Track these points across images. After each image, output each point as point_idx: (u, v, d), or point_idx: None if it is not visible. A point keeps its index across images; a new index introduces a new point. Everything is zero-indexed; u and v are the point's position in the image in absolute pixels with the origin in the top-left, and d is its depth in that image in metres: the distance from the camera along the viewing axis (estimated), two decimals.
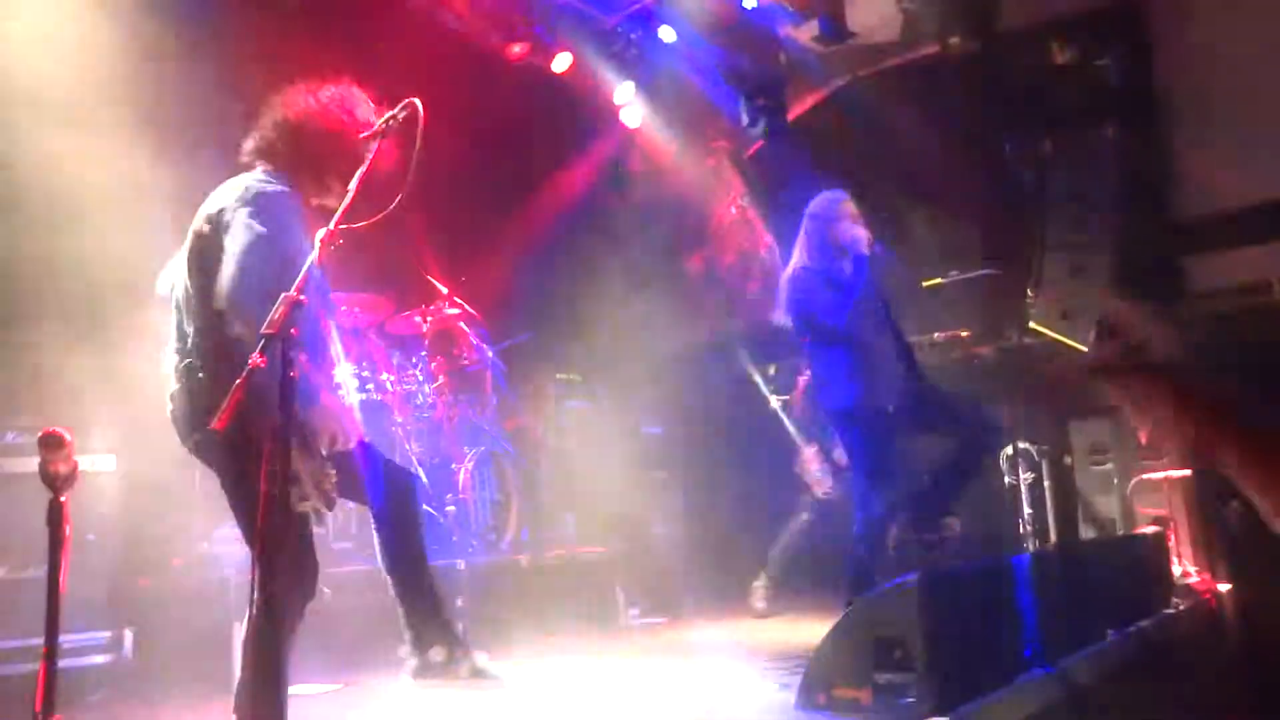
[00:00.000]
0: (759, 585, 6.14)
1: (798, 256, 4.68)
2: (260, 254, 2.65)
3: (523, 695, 4.08)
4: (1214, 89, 6.48)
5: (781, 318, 4.72)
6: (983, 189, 7.23)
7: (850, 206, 4.63)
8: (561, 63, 7.62)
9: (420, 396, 6.11)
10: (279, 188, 2.87)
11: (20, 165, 4.50)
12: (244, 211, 2.73)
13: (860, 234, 4.47)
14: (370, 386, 5.84)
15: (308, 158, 2.95)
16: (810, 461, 6.18)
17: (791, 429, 6.33)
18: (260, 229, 2.69)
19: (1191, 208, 6.60)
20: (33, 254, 4.52)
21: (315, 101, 2.99)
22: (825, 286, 4.47)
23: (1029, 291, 6.43)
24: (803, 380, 6.45)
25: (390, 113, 2.70)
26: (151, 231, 3.47)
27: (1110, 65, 6.67)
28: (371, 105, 3.07)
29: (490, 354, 6.48)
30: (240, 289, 2.60)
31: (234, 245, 2.67)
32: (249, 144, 3.01)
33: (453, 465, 6.01)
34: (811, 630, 4.71)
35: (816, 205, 4.69)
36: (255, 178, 2.90)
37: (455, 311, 6.36)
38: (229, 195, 2.82)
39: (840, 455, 6.11)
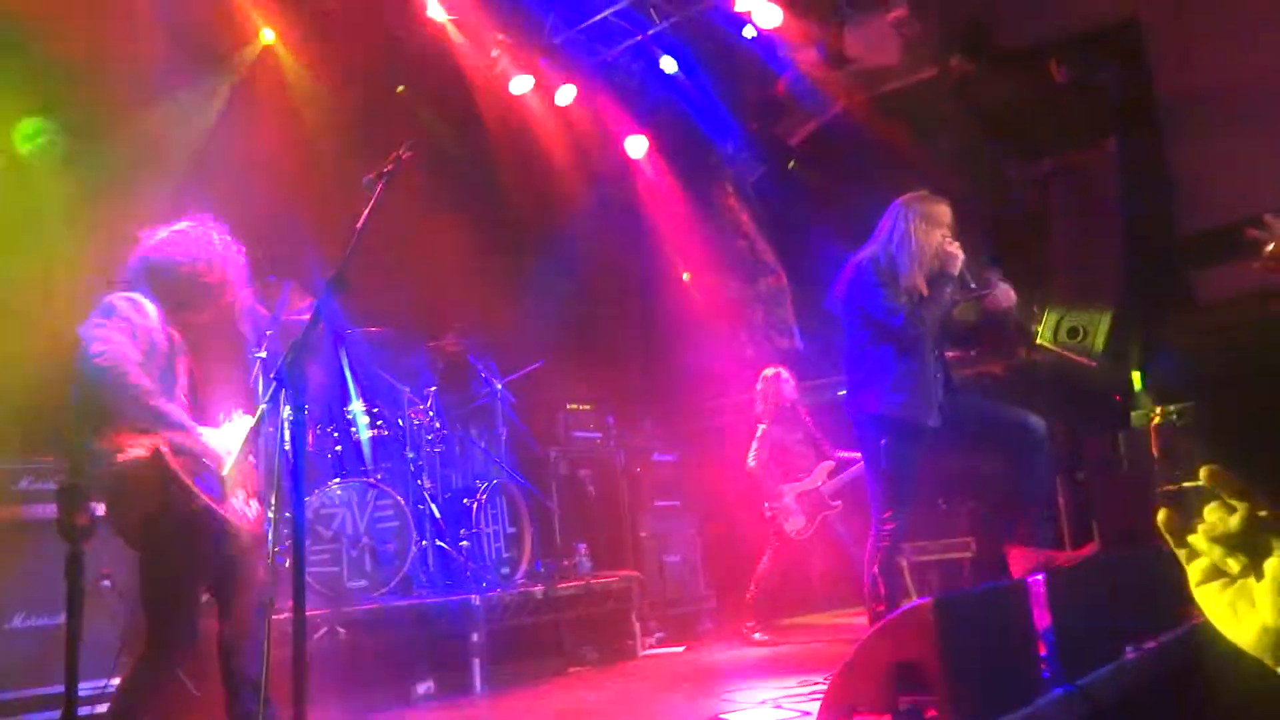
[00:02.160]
0: (749, 626, 6.18)
1: (873, 245, 4.32)
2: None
3: None
4: (1213, 101, 6.50)
5: (837, 304, 4.40)
6: (986, 209, 7.24)
7: (947, 213, 4.30)
8: (565, 95, 7.70)
9: (432, 431, 6.13)
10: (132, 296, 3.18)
11: None
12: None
13: (956, 251, 4.18)
14: (380, 422, 5.87)
15: (161, 289, 3.23)
16: (786, 500, 6.19)
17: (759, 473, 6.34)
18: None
19: (1196, 220, 6.59)
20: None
21: (167, 238, 3.28)
22: (892, 285, 4.16)
23: (1035, 309, 6.43)
24: (760, 432, 6.46)
25: (394, 154, 2.74)
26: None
27: (1108, 82, 6.70)
28: (225, 241, 3.37)
29: (500, 386, 6.50)
30: None
31: None
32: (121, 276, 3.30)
33: (465, 499, 6.02)
34: (828, 653, 4.69)
35: (917, 203, 4.31)
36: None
37: (464, 345, 6.40)
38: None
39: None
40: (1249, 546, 0.93)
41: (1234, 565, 0.94)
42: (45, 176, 4.99)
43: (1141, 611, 4.11)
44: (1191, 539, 0.98)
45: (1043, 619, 3.43)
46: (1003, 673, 3.20)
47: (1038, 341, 6.27)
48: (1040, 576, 3.54)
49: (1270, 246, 3.53)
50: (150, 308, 3.17)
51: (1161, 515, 0.99)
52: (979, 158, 7.18)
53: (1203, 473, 0.94)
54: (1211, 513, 0.96)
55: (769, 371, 6.62)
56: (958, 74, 7.34)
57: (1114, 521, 5.71)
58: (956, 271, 4.19)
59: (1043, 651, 3.38)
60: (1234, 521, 0.94)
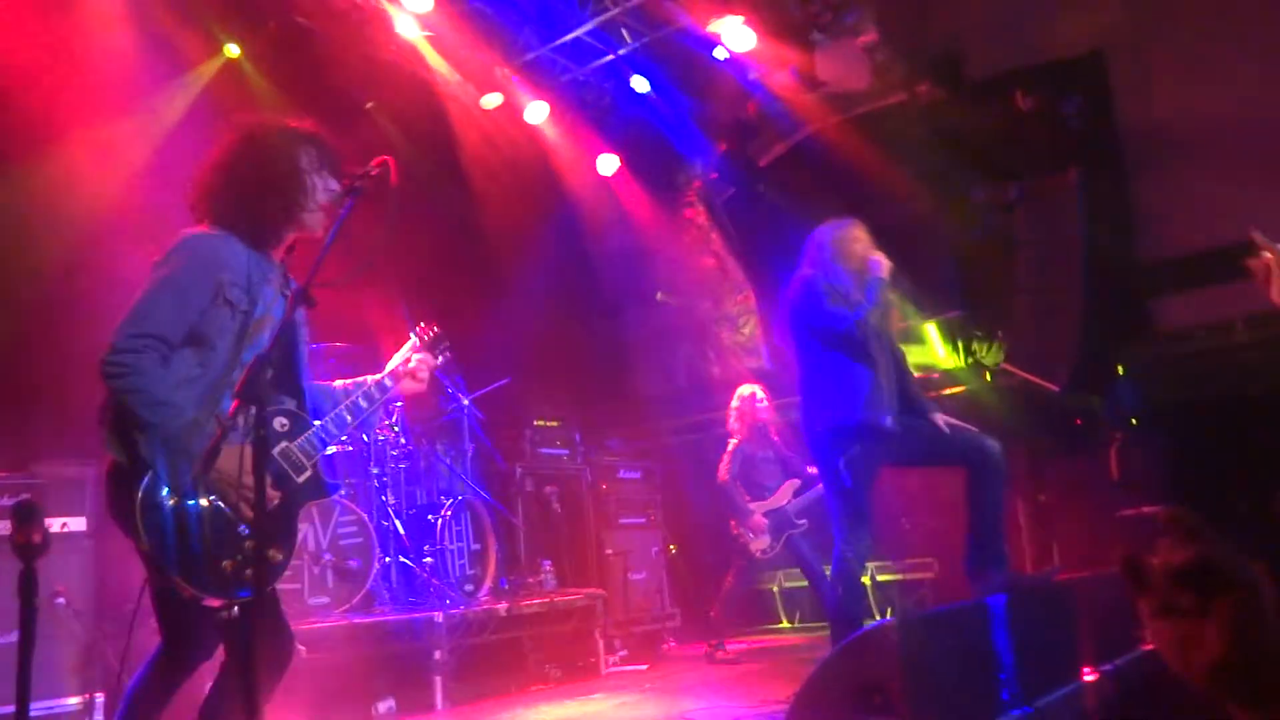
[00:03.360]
0: (712, 645, 6.20)
1: (807, 268, 4.51)
2: (152, 300, 2.55)
3: None
4: (1175, 132, 6.63)
5: (784, 333, 4.58)
6: (952, 234, 7.34)
7: (865, 233, 4.51)
8: (536, 113, 7.71)
9: (397, 447, 6.09)
10: (209, 231, 2.72)
11: None
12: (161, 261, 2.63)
13: (879, 257, 4.36)
14: (344, 437, 5.81)
15: (237, 199, 2.75)
16: (753, 520, 6.21)
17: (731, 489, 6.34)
18: (162, 273, 2.59)
19: (1156, 249, 6.72)
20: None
21: (232, 140, 2.82)
22: (831, 295, 4.34)
23: (999, 332, 6.52)
24: (732, 446, 6.47)
25: (364, 170, 2.72)
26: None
27: (1071, 112, 6.83)
28: (302, 134, 2.90)
29: (466, 402, 6.48)
30: (117, 333, 2.50)
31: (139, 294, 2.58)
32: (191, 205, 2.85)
33: (430, 515, 5.98)
34: (791, 673, 4.71)
35: (831, 228, 4.55)
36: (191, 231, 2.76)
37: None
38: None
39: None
40: (1200, 584, 0.95)
41: (1184, 602, 0.96)
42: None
43: (1100, 634, 4.16)
44: (1146, 573, 0.99)
45: (1002, 640, 3.47)
46: (963, 694, 3.23)
47: (1002, 365, 6.36)
48: (1001, 598, 3.58)
49: (1268, 254, 3.66)
50: None
51: (1122, 555, 1.00)
52: (946, 182, 7.29)
53: (1162, 514, 0.96)
54: (1165, 548, 0.98)
55: (746, 390, 6.64)
56: (926, 100, 7.46)
57: (1074, 544, 5.80)
58: (886, 275, 4.34)
59: (1002, 672, 3.41)
60: (1184, 559, 0.96)
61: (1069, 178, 6.95)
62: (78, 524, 4.26)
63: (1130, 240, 6.77)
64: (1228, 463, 5.01)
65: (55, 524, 3.93)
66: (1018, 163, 7.05)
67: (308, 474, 2.73)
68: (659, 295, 8.90)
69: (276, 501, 2.60)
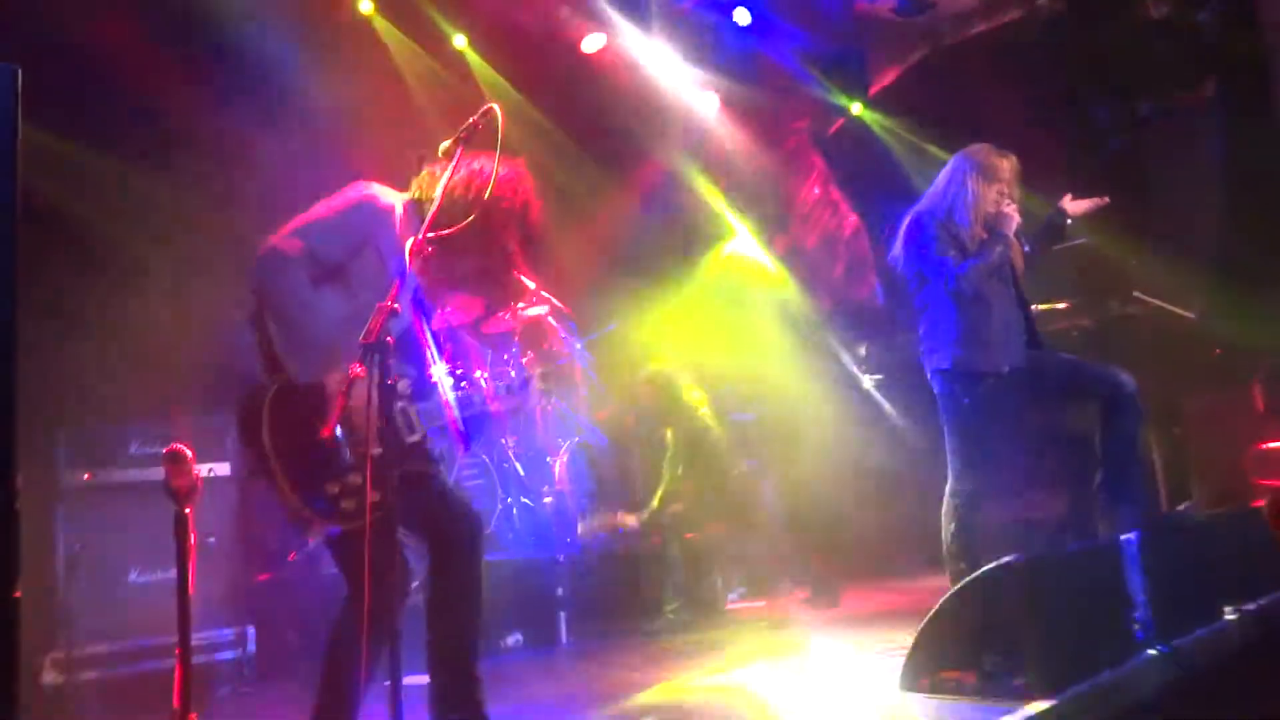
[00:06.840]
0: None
1: (928, 200, 4.29)
2: (313, 218, 2.74)
3: (624, 680, 4.15)
4: None
5: (897, 259, 4.35)
6: (1076, 156, 6.99)
7: (1010, 167, 4.22)
8: (638, 49, 7.61)
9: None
10: (392, 190, 2.91)
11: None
12: None
13: (1010, 212, 4.13)
14: (464, 383, 5.96)
15: (448, 218, 2.79)
16: None
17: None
18: (328, 203, 2.79)
19: None
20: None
21: (480, 181, 2.89)
22: (942, 238, 4.13)
23: (1130, 259, 6.21)
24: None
25: (470, 120, 2.74)
26: None
27: (1208, 20, 6.37)
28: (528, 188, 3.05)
29: (579, 346, 6.55)
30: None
31: None
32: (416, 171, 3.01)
33: (548, 458, 6.11)
34: (912, 612, 4.66)
35: (977, 155, 4.25)
36: None
37: (543, 309, 6.44)
38: None
39: None
40: None
41: None
42: None
43: (1241, 572, 3.99)
44: None
45: (1136, 579, 3.36)
46: (1093, 633, 3.15)
47: (1134, 294, 6.07)
48: (1135, 535, 3.46)
49: None
50: None
51: (1274, 504, 0.96)
52: (1067, 103, 6.92)
53: None
54: None
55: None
56: (1046, 14, 7.06)
57: (1213, 479, 5.54)
58: (1010, 232, 4.12)
59: (1136, 612, 3.31)
60: None
61: (1204, 92, 6.51)
62: (222, 469, 4.53)
63: (1273, 157, 6.32)
64: None
65: (201, 469, 4.19)
66: (1148, 78, 6.63)
67: (417, 438, 2.83)
68: (724, 248, 8.67)
69: (379, 451, 2.59)
